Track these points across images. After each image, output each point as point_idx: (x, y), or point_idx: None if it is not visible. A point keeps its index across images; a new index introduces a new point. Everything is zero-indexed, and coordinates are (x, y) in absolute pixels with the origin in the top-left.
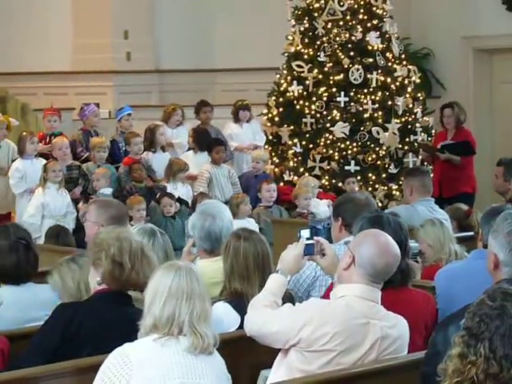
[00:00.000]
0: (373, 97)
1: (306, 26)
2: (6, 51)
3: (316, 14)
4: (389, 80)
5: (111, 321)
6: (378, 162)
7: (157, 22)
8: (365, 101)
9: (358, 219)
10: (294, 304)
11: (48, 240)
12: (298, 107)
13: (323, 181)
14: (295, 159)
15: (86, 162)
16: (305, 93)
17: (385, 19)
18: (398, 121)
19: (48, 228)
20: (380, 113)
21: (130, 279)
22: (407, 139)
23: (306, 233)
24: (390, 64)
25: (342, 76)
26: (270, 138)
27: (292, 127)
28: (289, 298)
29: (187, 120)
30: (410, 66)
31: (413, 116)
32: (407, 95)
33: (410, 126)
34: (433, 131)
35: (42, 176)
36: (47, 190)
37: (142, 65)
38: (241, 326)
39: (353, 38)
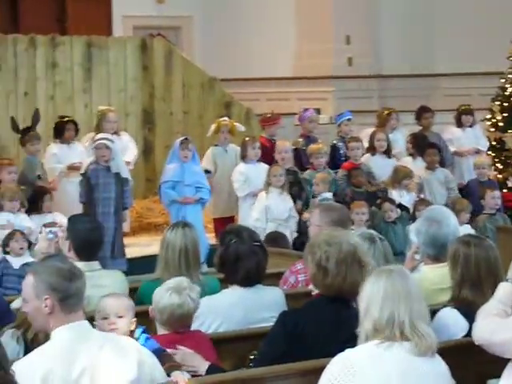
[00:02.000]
0: None
1: None
2: (231, 58)
3: None
4: None
5: (331, 324)
6: None
7: (378, 27)
8: None
9: None
10: None
11: (266, 244)
12: None
13: None
14: None
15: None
16: None
17: None
18: None
19: (267, 233)
20: None
21: (335, 284)
22: None
23: None
24: None
25: None
26: (494, 143)
27: None
28: None
29: (407, 125)
30: None
31: None
32: None
33: None
34: None
35: (266, 180)
36: (270, 194)
37: (363, 70)
38: (468, 334)
39: None
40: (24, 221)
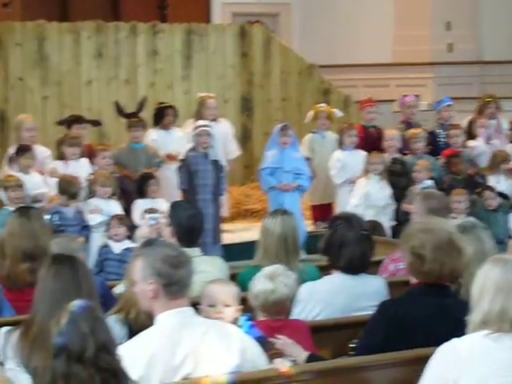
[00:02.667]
0: None
1: None
2: (330, 44)
3: None
4: None
5: (432, 313)
6: None
7: (480, 12)
8: None
9: None
10: None
11: None
12: None
13: None
14: None
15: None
16: None
17: None
18: None
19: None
20: None
21: (433, 271)
22: None
23: None
24: None
25: None
26: None
27: None
28: None
29: (508, 112)
30: None
31: None
32: None
33: None
34: None
35: (365, 168)
36: (369, 180)
37: (464, 56)
38: None
39: None
40: (114, 207)
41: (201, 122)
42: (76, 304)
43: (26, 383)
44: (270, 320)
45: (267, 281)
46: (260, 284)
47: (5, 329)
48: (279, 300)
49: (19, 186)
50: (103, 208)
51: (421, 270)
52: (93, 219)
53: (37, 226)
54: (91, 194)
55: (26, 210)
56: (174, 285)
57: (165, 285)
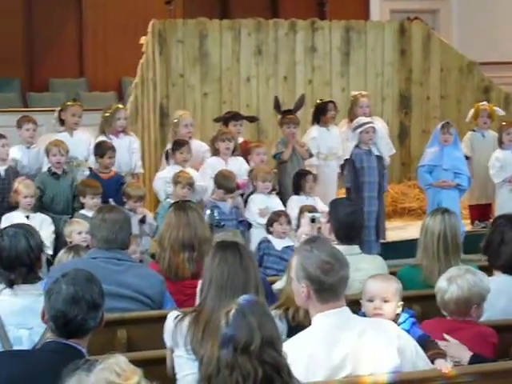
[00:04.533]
0: None
1: None
2: (490, 41)
3: None
4: None
5: None
6: None
7: None
8: None
9: None
10: None
11: None
12: None
13: None
14: None
15: None
16: None
17: None
18: None
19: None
20: None
21: None
22: None
23: None
24: None
25: None
26: None
27: None
28: None
29: None
30: None
31: None
32: None
33: None
34: None
35: None
36: None
37: None
38: None
39: None
40: (275, 202)
41: (364, 119)
42: (245, 297)
43: (191, 371)
44: (450, 320)
45: (445, 280)
46: (439, 282)
47: (173, 315)
48: (452, 300)
49: (190, 184)
50: (265, 203)
51: None
52: (257, 217)
53: (193, 216)
54: (252, 189)
55: (182, 204)
56: (325, 291)
57: (315, 290)
